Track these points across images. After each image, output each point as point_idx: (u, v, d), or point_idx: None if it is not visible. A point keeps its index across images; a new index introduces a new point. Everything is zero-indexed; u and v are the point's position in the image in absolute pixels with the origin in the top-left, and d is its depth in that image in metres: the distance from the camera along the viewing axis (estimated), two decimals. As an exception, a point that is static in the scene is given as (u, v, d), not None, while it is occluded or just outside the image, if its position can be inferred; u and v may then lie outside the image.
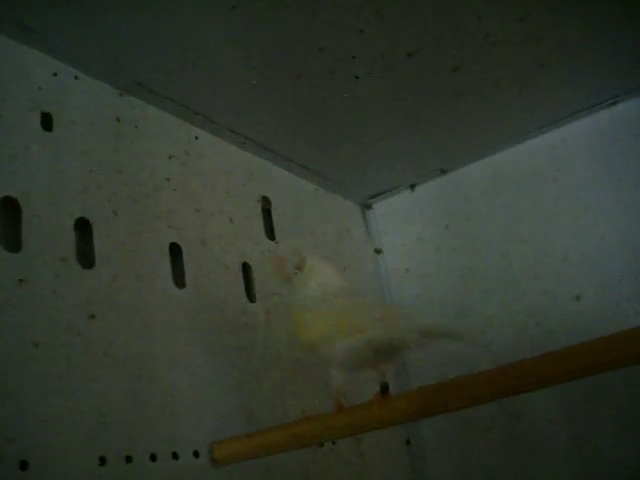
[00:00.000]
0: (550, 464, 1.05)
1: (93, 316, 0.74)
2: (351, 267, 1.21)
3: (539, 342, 1.07)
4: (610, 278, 1.05)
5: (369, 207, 1.32)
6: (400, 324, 0.70)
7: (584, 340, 0.61)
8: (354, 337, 0.69)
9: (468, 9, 0.84)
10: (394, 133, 1.09)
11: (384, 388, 0.71)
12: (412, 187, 1.28)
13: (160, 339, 0.80)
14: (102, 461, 0.69)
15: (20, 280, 0.69)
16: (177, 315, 0.84)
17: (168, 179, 0.91)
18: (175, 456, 0.76)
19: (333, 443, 0.99)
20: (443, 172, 1.24)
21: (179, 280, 0.87)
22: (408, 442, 1.17)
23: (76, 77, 0.84)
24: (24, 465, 0.63)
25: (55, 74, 0.81)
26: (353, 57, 0.90)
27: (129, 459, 0.71)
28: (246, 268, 0.98)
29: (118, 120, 0.87)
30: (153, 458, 0.74)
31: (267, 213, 1.07)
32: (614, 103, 1.10)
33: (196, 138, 0.98)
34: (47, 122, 0.78)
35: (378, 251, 1.30)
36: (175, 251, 0.88)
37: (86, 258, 0.77)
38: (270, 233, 1.06)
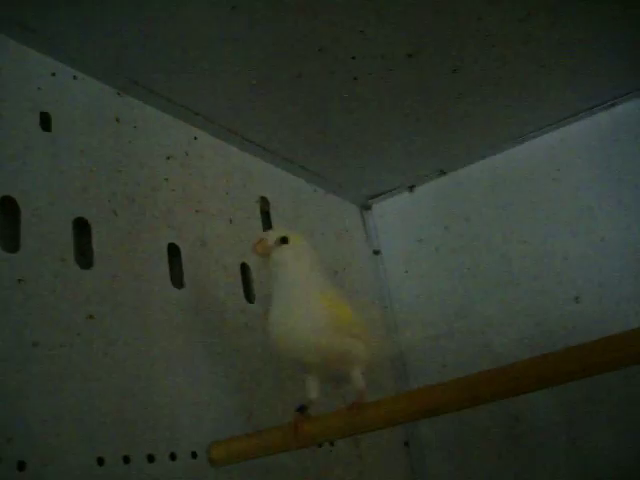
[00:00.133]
0: (550, 464, 1.05)
1: (92, 316, 0.74)
2: (350, 268, 1.21)
3: (539, 342, 1.06)
4: (610, 278, 1.05)
5: (368, 208, 1.32)
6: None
7: (584, 340, 0.61)
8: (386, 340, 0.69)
9: (468, 9, 0.84)
10: (394, 133, 1.09)
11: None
12: (411, 188, 1.28)
13: (159, 339, 0.80)
14: (100, 462, 0.69)
15: (19, 280, 0.69)
16: (176, 315, 0.84)
17: (167, 179, 0.91)
18: (173, 457, 0.76)
19: (332, 444, 0.98)
20: (443, 173, 1.24)
21: (178, 280, 0.87)
22: (407, 443, 1.17)
23: (75, 77, 0.84)
24: (21, 465, 0.62)
25: (54, 74, 0.81)
26: (353, 57, 0.90)
27: (127, 459, 0.71)
28: (245, 269, 0.98)
29: (117, 120, 0.87)
30: (151, 459, 0.74)
31: (266, 214, 1.07)
32: (614, 104, 1.09)
33: (195, 138, 0.98)
34: (46, 122, 0.78)
35: (377, 252, 1.30)
36: (174, 251, 0.88)
37: (85, 258, 0.77)
38: (269, 234, 1.06)
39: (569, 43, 0.93)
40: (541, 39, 0.91)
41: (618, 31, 0.91)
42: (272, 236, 0.75)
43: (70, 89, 0.83)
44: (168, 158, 0.92)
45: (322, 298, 0.71)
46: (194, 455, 0.78)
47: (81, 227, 0.78)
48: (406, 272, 1.26)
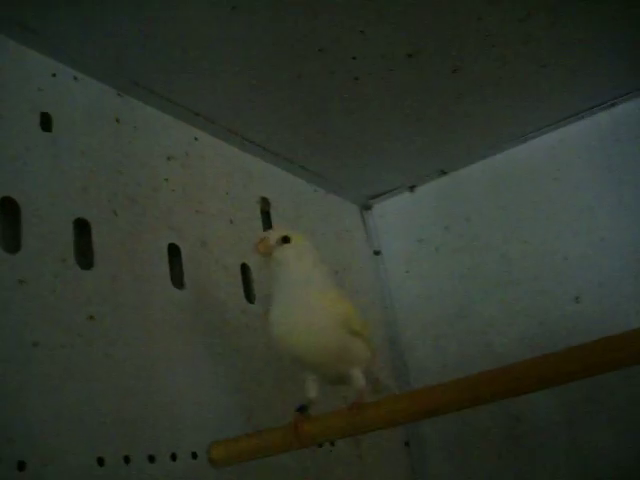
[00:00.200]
0: (550, 465, 1.05)
1: (92, 317, 0.74)
2: (350, 268, 1.21)
3: (539, 342, 1.06)
4: (610, 278, 1.05)
5: (369, 208, 1.32)
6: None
7: (584, 340, 0.61)
8: None
9: (468, 9, 0.84)
10: (394, 133, 1.09)
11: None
12: (412, 188, 1.28)
13: (159, 340, 0.80)
14: (100, 462, 0.69)
15: (19, 281, 0.69)
16: (176, 316, 0.84)
17: (167, 180, 0.91)
18: (174, 457, 0.76)
19: (332, 444, 0.98)
20: (443, 173, 1.24)
21: (178, 281, 0.87)
22: (407, 443, 1.17)
23: (75, 78, 0.84)
24: (21, 465, 0.62)
25: (54, 75, 0.81)
26: (353, 57, 0.90)
27: (127, 460, 0.71)
28: (245, 269, 0.98)
29: (117, 121, 0.87)
30: (151, 459, 0.74)
31: (266, 214, 1.07)
32: (614, 104, 1.09)
33: (195, 139, 0.98)
34: (46, 123, 0.78)
35: (377, 252, 1.30)
36: (174, 252, 0.88)
37: (85, 259, 0.77)
38: (270, 234, 1.06)
39: (569, 43, 0.93)
40: (541, 39, 0.91)
41: (618, 31, 0.91)
42: (274, 235, 0.74)
43: (70, 90, 0.83)
44: (168, 158, 0.92)
45: (323, 297, 0.71)
46: (194, 455, 0.78)
47: (81, 227, 0.78)
48: (406, 272, 1.26)
